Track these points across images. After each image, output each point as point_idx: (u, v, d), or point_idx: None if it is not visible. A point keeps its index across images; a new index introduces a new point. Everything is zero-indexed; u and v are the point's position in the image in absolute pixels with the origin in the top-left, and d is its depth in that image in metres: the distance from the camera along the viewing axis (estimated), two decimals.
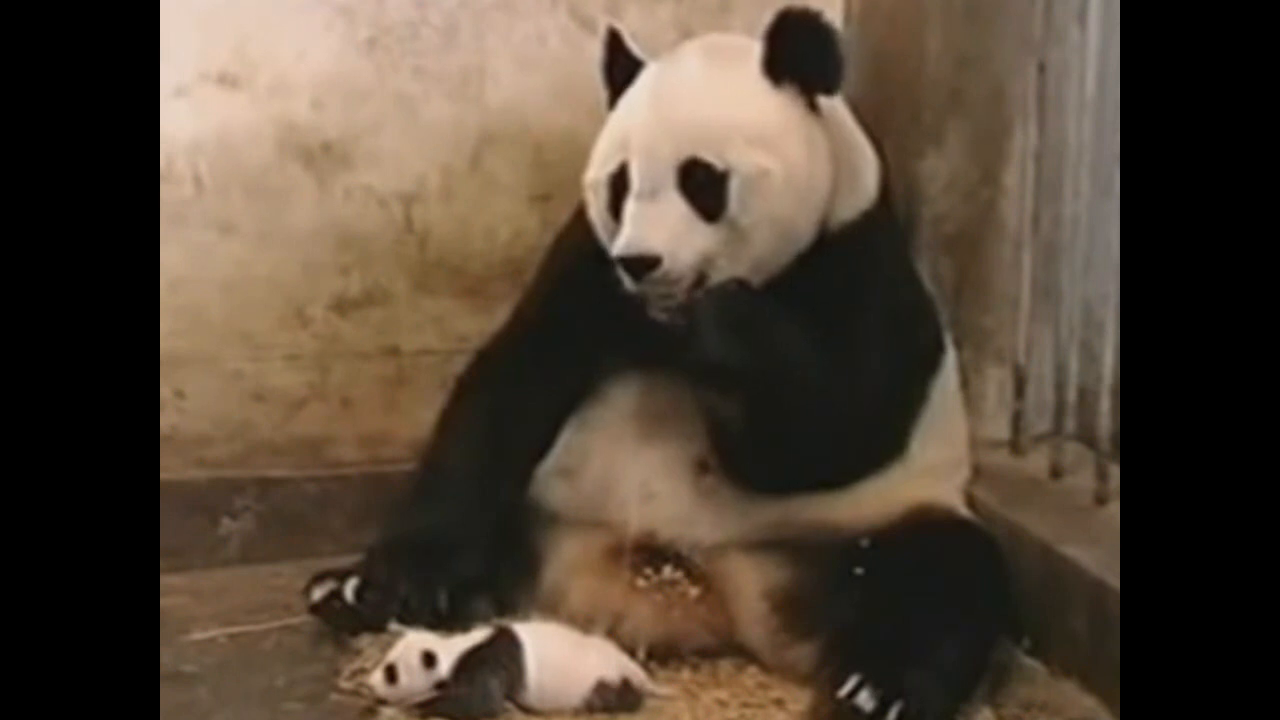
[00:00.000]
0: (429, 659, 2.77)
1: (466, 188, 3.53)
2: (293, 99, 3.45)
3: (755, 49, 2.97)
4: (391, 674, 2.78)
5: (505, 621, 2.90)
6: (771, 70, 2.96)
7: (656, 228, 2.88)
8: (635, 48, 3.06)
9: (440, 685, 2.77)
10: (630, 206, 2.91)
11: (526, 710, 2.82)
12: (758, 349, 2.88)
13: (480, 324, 3.39)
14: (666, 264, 2.86)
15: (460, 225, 3.53)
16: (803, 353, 2.92)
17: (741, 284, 2.90)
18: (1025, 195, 3.35)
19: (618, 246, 2.89)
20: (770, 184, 2.90)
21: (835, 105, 3.04)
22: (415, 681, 2.77)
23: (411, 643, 2.80)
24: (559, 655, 2.83)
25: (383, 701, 2.80)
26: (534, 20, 3.52)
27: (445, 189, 3.52)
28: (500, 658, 2.80)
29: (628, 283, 2.90)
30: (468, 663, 2.78)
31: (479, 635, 2.83)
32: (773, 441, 2.94)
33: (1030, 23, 3.29)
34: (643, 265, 2.87)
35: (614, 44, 3.07)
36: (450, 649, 2.79)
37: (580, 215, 3.10)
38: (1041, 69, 3.29)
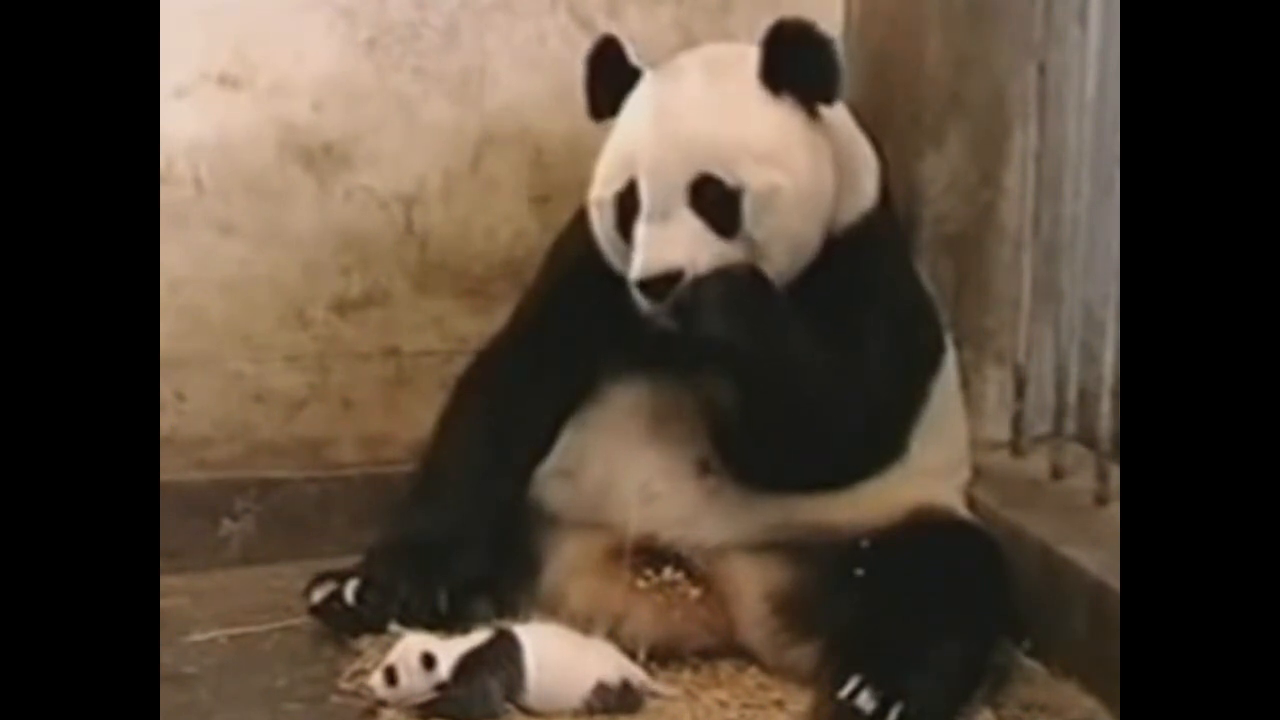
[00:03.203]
0: (429, 660, 2.77)
1: (467, 189, 3.53)
2: (293, 100, 3.45)
3: (753, 58, 2.96)
4: (391, 675, 2.78)
5: (505, 623, 2.90)
6: (770, 81, 2.94)
7: (672, 245, 2.87)
8: (633, 56, 3.03)
9: (440, 687, 2.77)
10: (641, 229, 2.89)
11: (526, 712, 2.82)
12: (759, 331, 2.86)
13: (480, 325, 3.39)
14: (689, 275, 2.85)
15: (460, 226, 3.53)
16: (804, 340, 2.91)
17: (749, 267, 2.89)
18: (1025, 196, 3.35)
19: (635, 271, 2.87)
20: (782, 200, 2.90)
21: (835, 111, 3.03)
22: (415, 683, 2.77)
23: (411, 644, 2.80)
24: (559, 656, 2.83)
25: (383, 703, 2.80)
26: (534, 21, 3.51)
27: (445, 190, 3.52)
28: (500, 659, 2.80)
29: (647, 306, 2.88)
30: (467, 664, 2.78)
31: (479, 637, 2.83)
32: (772, 434, 2.93)
33: (1030, 24, 3.29)
34: (664, 283, 2.85)
35: (609, 50, 3.05)
36: (450, 650, 2.79)
37: (580, 217, 3.09)
38: (1041, 70, 3.29)
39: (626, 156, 2.97)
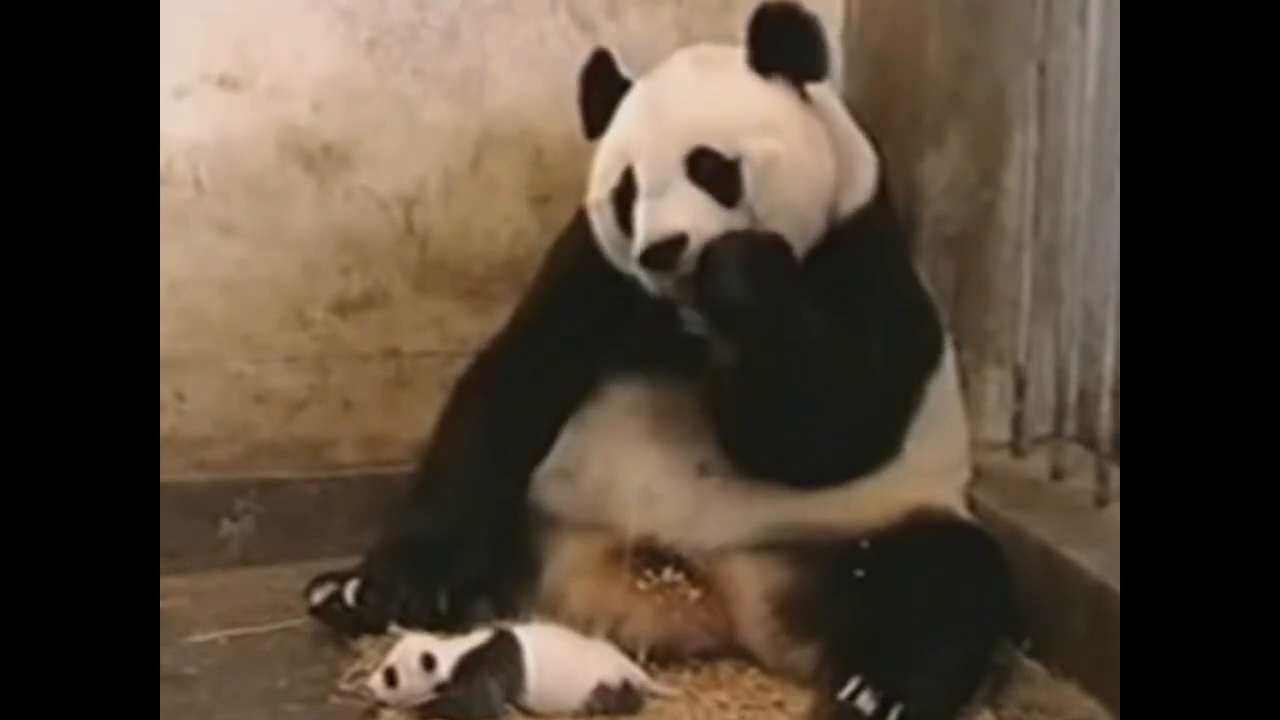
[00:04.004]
0: (428, 661, 2.77)
1: (467, 189, 3.53)
2: (293, 100, 3.45)
3: (739, 52, 2.97)
4: (391, 677, 2.78)
5: (505, 624, 2.90)
6: (758, 65, 2.95)
7: (674, 212, 2.86)
8: (624, 68, 3.03)
9: (440, 688, 2.77)
10: (641, 207, 2.89)
11: (526, 713, 2.82)
12: (775, 297, 2.84)
13: (480, 326, 3.39)
14: (694, 241, 2.83)
15: (460, 227, 3.53)
16: (815, 316, 2.90)
17: (773, 235, 2.87)
18: (1025, 196, 3.35)
19: (638, 243, 2.85)
20: (781, 169, 2.89)
21: (830, 104, 3.04)
22: (415, 684, 2.77)
23: (411, 645, 2.80)
24: (559, 657, 2.83)
25: (383, 704, 2.80)
26: (534, 22, 3.52)
27: (445, 191, 3.52)
28: (500, 660, 2.80)
29: (654, 283, 2.87)
30: (467, 665, 2.78)
31: (479, 637, 2.83)
32: (773, 415, 2.91)
33: (1030, 24, 3.29)
34: (670, 249, 2.83)
35: (601, 64, 3.04)
36: (450, 651, 2.79)
37: (580, 218, 3.09)
38: (1042, 70, 3.29)
39: (620, 151, 2.97)
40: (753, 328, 2.86)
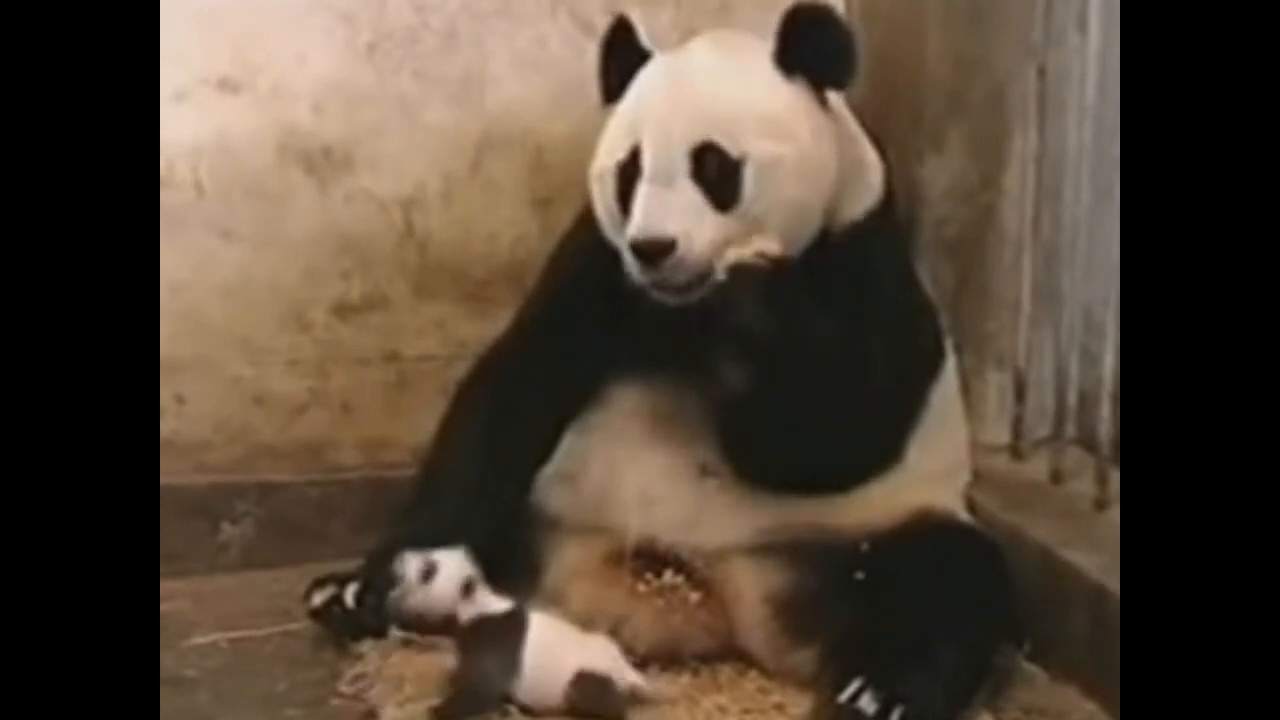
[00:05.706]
0: (468, 586, 2.80)
1: (467, 192, 3.53)
2: (293, 103, 3.45)
3: (763, 45, 2.96)
4: (429, 573, 2.82)
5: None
6: (783, 63, 2.94)
7: (671, 212, 2.85)
8: (645, 39, 3.02)
9: (449, 620, 2.80)
10: (643, 189, 2.87)
11: (525, 711, 2.81)
12: (788, 327, 2.83)
13: (481, 329, 3.39)
14: (681, 249, 2.83)
15: (461, 230, 3.54)
16: (825, 337, 2.89)
17: (786, 260, 2.85)
18: (1025, 199, 3.35)
19: (631, 229, 2.85)
20: (783, 171, 2.88)
21: (840, 107, 3.03)
22: (445, 593, 2.81)
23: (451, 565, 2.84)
24: (546, 641, 2.81)
25: (381, 707, 2.79)
26: (534, 24, 3.52)
27: (446, 193, 3.52)
28: (503, 638, 2.78)
29: (637, 272, 2.86)
30: (478, 629, 2.78)
31: (499, 604, 2.83)
32: (778, 427, 2.91)
33: (1030, 26, 3.30)
34: (658, 249, 2.83)
35: (622, 33, 3.04)
36: (463, 567, 2.83)
37: (582, 220, 3.09)
38: (1041, 73, 3.29)
39: (631, 125, 2.95)
40: (771, 356, 2.86)
